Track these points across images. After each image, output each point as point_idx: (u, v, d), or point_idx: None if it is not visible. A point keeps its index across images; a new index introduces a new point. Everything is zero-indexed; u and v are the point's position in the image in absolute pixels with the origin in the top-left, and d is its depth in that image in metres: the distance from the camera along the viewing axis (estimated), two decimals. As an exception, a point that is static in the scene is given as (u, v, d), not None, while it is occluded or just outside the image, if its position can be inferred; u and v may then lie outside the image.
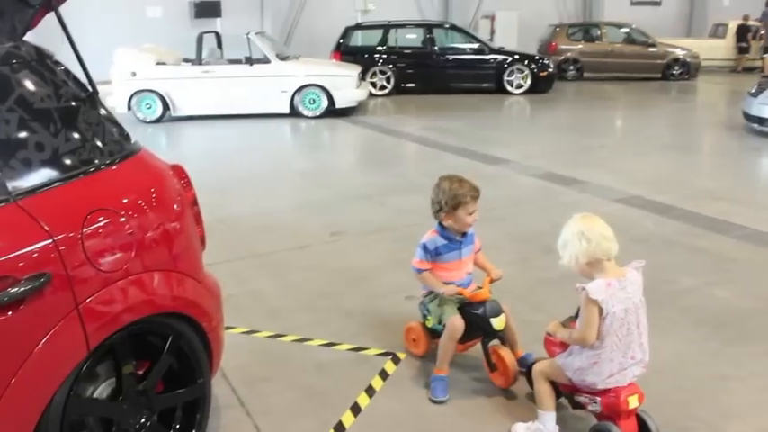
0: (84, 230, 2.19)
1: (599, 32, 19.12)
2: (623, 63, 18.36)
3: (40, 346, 2.07)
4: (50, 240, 2.09)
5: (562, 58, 18.50)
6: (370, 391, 3.42)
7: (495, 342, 3.45)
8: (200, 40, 12.38)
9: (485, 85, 15.77)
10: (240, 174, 8.39)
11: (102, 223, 2.26)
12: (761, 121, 10.24)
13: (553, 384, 3.02)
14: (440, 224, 3.45)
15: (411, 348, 3.77)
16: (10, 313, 1.99)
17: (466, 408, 3.28)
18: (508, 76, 15.65)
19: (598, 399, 2.87)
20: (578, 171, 7.91)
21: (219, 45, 13.39)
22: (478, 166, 8.33)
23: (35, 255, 2.06)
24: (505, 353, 3.38)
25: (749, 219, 6.11)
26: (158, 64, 12.26)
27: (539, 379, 3.03)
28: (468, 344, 3.56)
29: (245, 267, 5.08)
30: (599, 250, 2.78)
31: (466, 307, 3.41)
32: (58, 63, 2.48)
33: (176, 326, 2.57)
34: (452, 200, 3.32)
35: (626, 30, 19.11)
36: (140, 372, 2.50)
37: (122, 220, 2.33)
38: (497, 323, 3.31)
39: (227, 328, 3.61)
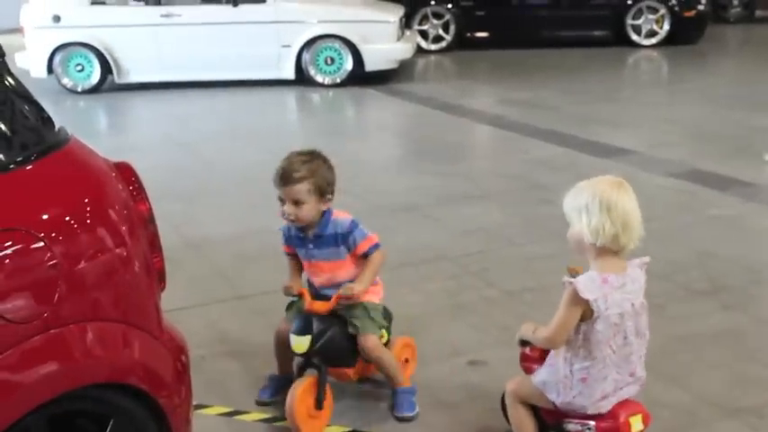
0: (-15, 262, 2.27)
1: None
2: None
3: None
4: (-65, 276, 2.18)
5: (720, -12, 18.42)
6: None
7: (311, 372, 4.01)
8: (157, -35, 12.64)
9: (597, 33, 15.81)
10: (220, 173, 8.56)
11: (10, 251, 2.34)
12: None
13: (534, 410, 3.45)
14: None
15: None
16: None
17: None
18: (634, 18, 15.67)
19: (592, 423, 3.27)
20: (741, 168, 7.87)
21: (187, -26, 13.63)
22: (583, 159, 8.40)
23: None
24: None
25: None
26: (94, 3, 12.53)
27: (513, 403, 3.49)
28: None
29: (226, 315, 5.19)
30: (618, 237, 3.15)
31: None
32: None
33: (120, 403, 2.64)
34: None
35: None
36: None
37: (41, 245, 2.41)
38: (294, 343, 3.87)
39: (198, 407, 3.70)
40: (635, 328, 3.26)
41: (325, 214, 3.98)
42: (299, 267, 4.20)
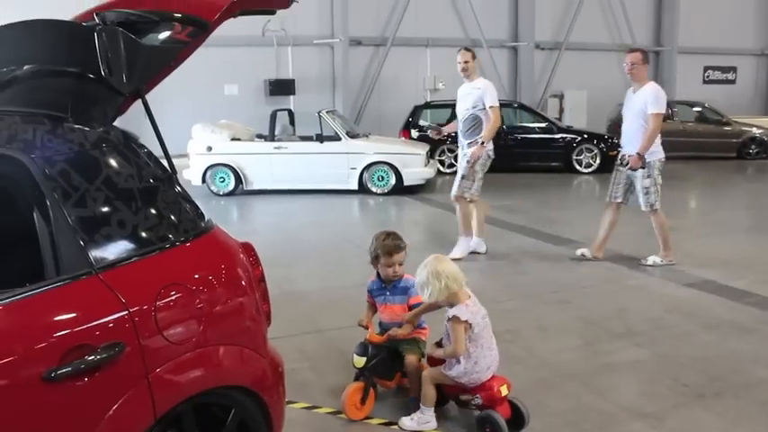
0: (158, 303, 2.32)
1: (670, 111, 18.95)
2: (696, 142, 18.05)
3: (110, 412, 2.18)
4: (126, 312, 2.23)
5: (633, 137, 18.39)
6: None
7: (362, 379, 4.05)
8: (273, 116, 12.89)
9: (553, 164, 15.82)
10: (308, 249, 8.59)
11: (174, 297, 2.39)
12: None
13: (438, 389, 3.80)
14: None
15: None
16: (86, 379, 2.12)
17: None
18: (577, 155, 15.66)
19: (478, 394, 3.65)
20: (644, 252, 7.76)
21: (292, 122, 13.88)
22: (543, 247, 8.31)
23: (111, 325, 2.20)
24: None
25: (830, 307, 5.88)
26: (233, 139, 12.80)
27: (426, 382, 3.80)
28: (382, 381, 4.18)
29: (309, 343, 5.17)
30: (452, 286, 3.61)
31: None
32: (141, 146, 2.69)
33: (239, 398, 2.65)
34: (373, 251, 4.15)
35: (698, 108, 18.93)
36: (203, 443, 2.57)
37: (193, 294, 2.46)
38: (355, 360, 4.03)
39: (289, 402, 3.68)
40: (488, 326, 3.72)
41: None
42: (372, 310, 4.29)
